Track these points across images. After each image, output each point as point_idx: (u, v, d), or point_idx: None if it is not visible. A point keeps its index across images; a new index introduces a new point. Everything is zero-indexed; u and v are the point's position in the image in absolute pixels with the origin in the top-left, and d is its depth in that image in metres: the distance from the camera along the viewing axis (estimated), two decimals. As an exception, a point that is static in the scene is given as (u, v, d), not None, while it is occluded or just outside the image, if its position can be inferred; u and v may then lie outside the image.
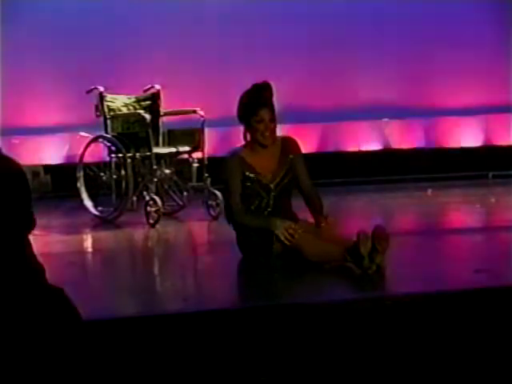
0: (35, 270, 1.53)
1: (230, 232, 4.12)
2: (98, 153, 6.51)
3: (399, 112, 8.93)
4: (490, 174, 8.64)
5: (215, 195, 6.03)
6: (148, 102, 6.52)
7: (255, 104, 3.92)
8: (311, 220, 3.95)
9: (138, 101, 6.53)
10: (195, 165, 6.26)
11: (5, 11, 8.11)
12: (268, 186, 3.96)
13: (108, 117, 6.29)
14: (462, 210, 6.50)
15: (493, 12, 8.90)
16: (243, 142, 4.03)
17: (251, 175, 3.94)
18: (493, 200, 6.59)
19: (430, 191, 7.50)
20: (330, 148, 9.08)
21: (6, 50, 8.17)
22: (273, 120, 3.94)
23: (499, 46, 8.92)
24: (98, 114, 6.29)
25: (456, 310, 2.99)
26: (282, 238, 3.73)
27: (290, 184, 4.02)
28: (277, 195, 3.98)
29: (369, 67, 8.82)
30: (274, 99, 3.96)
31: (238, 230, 3.98)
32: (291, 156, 4.02)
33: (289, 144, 4.05)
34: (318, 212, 3.94)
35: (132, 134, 6.18)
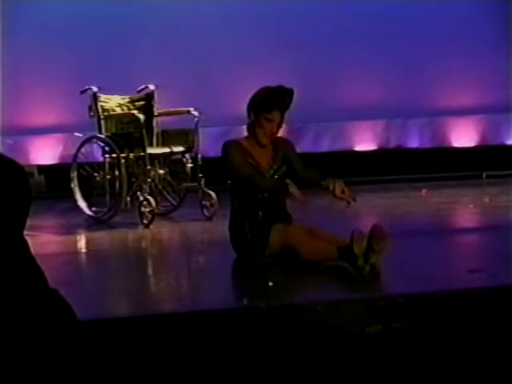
0: (36, 271, 1.52)
1: (224, 232, 4.12)
2: (92, 153, 6.49)
3: (395, 112, 8.94)
4: (484, 174, 8.65)
5: (209, 195, 6.03)
6: (142, 103, 6.51)
7: (272, 102, 3.90)
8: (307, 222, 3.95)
9: (132, 101, 6.52)
10: (189, 165, 6.26)
11: (5, 12, 8.09)
12: (264, 176, 3.95)
13: (102, 117, 6.28)
14: (456, 209, 6.50)
15: (493, 12, 8.91)
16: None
17: (251, 161, 3.95)
18: (487, 200, 6.60)
19: (424, 191, 7.50)
20: (327, 148, 9.09)
21: (5, 52, 8.15)
22: (280, 125, 3.96)
23: (499, 46, 8.93)
24: (92, 114, 6.28)
25: (450, 311, 2.99)
26: (297, 196, 3.68)
27: (284, 177, 3.95)
28: None
29: (366, 67, 8.83)
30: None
31: (233, 230, 3.98)
32: (280, 153, 4.03)
33: (279, 142, 4.07)
34: (320, 178, 3.81)
35: (126, 134, 6.18)
